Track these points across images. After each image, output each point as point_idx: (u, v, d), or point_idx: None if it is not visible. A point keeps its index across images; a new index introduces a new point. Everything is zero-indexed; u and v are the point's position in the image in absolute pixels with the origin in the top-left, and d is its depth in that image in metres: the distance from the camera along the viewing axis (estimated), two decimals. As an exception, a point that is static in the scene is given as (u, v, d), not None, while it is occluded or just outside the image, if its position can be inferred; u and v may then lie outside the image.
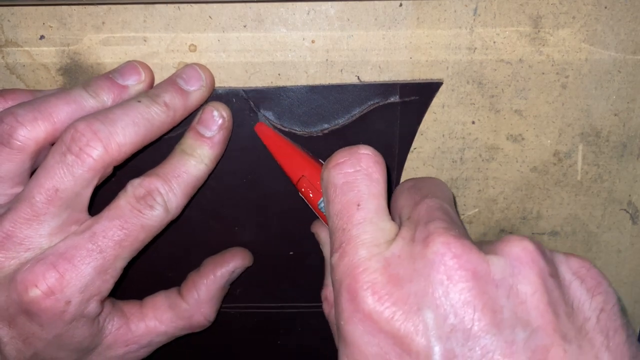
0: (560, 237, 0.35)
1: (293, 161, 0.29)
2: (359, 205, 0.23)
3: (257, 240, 0.34)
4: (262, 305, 0.36)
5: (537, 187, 0.34)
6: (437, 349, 0.19)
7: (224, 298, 0.33)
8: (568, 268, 0.21)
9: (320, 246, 0.31)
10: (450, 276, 0.20)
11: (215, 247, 0.34)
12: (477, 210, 0.34)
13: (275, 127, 0.31)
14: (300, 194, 0.29)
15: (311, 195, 0.28)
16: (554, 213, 0.34)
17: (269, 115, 0.31)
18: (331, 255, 0.23)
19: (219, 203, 0.33)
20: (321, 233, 0.31)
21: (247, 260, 0.33)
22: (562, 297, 0.20)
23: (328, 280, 0.29)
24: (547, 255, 0.21)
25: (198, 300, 0.31)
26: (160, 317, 0.31)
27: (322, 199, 0.28)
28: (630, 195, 0.34)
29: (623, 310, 0.21)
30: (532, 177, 0.34)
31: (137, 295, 0.32)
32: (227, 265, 0.32)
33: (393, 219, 0.24)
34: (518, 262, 0.20)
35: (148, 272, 0.34)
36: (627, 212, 0.35)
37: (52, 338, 0.26)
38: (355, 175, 0.24)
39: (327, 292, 0.29)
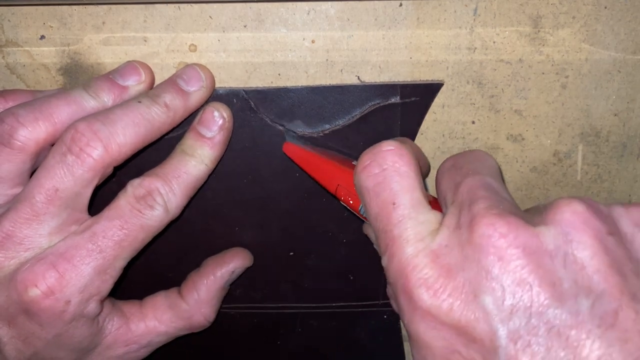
0: (560, 237, 0.35)
1: (325, 173, 0.29)
2: (394, 203, 0.23)
3: (257, 240, 0.34)
4: (262, 306, 0.36)
5: (537, 187, 0.34)
6: (500, 333, 0.18)
7: (224, 298, 0.33)
8: (629, 220, 0.20)
9: (375, 247, 0.31)
10: (501, 257, 0.19)
11: (215, 247, 0.34)
12: (477, 210, 0.34)
13: (302, 137, 0.31)
14: (342, 203, 0.29)
15: (351, 202, 0.28)
16: (554, 213, 0.34)
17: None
18: (382, 259, 0.23)
19: (219, 203, 0.33)
20: (371, 235, 0.31)
21: (248, 261, 0.33)
22: (626, 255, 0.19)
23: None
24: (602, 212, 0.20)
25: (198, 300, 0.31)
26: (160, 317, 0.30)
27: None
28: (630, 195, 0.34)
29: None
30: (532, 177, 0.33)
31: (137, 295, 0.31)
32: (228, 266, 0.32)
33: (440, 204, 0.24)
34: (570, 228, 0.19)
35: (148, 272, 0.34)
36: (627, 212, 0.34)
37: (51, 338, 0.26)
38: (384, 175, 0.23)
39: (391, 290, 0.28)
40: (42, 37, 0.30)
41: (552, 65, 0.31)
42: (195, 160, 0.28)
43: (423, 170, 0.28)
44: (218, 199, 0.33)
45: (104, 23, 0.29)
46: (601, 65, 0.31)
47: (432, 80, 0.31)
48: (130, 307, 0.30)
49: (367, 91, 0.31)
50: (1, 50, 0.30)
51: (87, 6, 0.29)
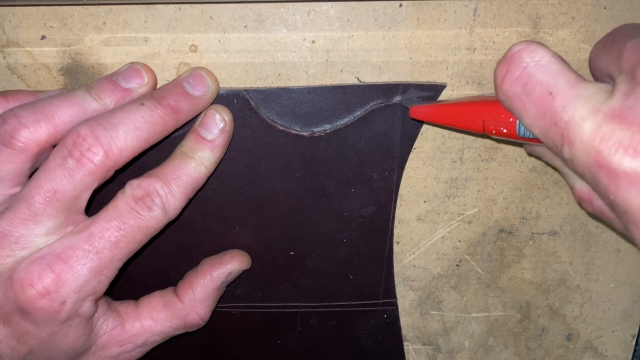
0: (559, 237, 0.35)
1: (465, 116, 0.26)
2: (551, 93, 0.21)
3: (257, 240, 0.34)
4: (262, 305, 0.36)
5: (536, 187, 0.33)
6: None
7: (224, 298, 0.33)
8: None
9: (549, 163, 0.28)
10: None
11: (216, 247, 0.33)
12: (476, 210, 0.34)
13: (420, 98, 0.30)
14: (495, 138, 0.26)
15: (504, 130, 0.25)
16: (553, 213, 0.34)
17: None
18: (562, 155, 0.21)
19: (220, 203, 0.33)
20: (538, 150, 0.28)
21: (245, 264, 0.33)
22: None
23: (572, 180, 0.26)
24: None
25: (193, 299, 0.31)
26: (155, 317, 0.30)
27: (517, 124, 0.25)
28: (629, 195, 0.34)
29: None
30: (532, 177, 0.33)
31: (137, 294, 0.31)
32: (225, 267, 0.32)
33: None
34: None
35: (149, 272, 0.34)
36: (626, 211, 0.34)
37: (46, 336, 0.26)
38: (527, 72, 0.22)
39: (578, 191, 0.25)
40: (43, 37, 0.29)
41: (552, 65, 0.31)
42: (195, 162, 0.28)
43: None
44: (218, 199, 0.32)
45: (104, 23, 0.29)
46: (600, 66, 0.31)
47: (433, 81, 0.31)
48: (125, 307, 0.30)
49: (369, 91, 0.30)
50: (2, 50, 0.29)
51: (88, 6, 0.29)
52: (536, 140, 0.24)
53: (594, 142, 0.19)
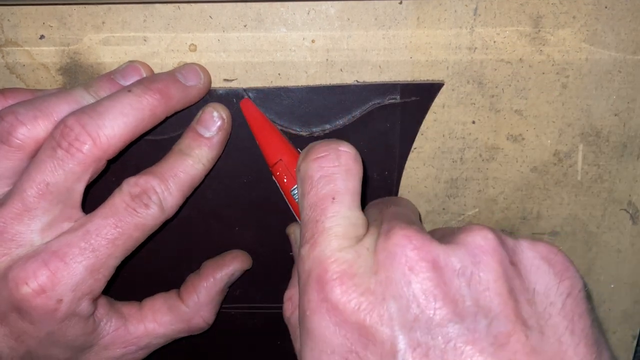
0: (560, 237, 0.34)
1: (273, 143, 0.29)
2: (334, 198, 0.23)
3: (257, 240, 0.33)
4: (262, 306, 0.35)
5: (537, 187, 0.33)
6: (401, 338, 0.19)
7: (225, 299, 0.33)
8: (536, 253, 0.21)
9: (293, 244, 0.30)
10: (411, 267, 0.20)
11: (216, 248, 0.33)
12: (477, 210, 0.34)
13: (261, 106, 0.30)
14: (274, 178, 0.28)
15: (285, 180, 0.28)
16: (554, 213, 0.34)
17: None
18: (301, 247, 0.22)
19: (219, 203, 0.32)
20: (296, 231, 0.30)
21: (247, 264, 0.32)
22: (522, 285, 0.20)
23: (295, 281, 0.28)
24: (508, 244, 0.21)
25: (198, 303, 0.30)
26: (159, 320, 0.30)
27: (295, 186, 0.27)
28: (630, 195, 0.34)
29: (589, 296, 0.21)
30: (532, 177, 0.33)
31: (138, 295, 0.31)
32: (227, 268, 0.31)
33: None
34: (479, 251, 0.20)
35: (149, 272, 0.33)
36: (627, 212, 0.34)
37: (44, 336, 0.25)
38: (334, 170, 0.23)
39: (293, 292, 0.27)
40: (42, 36, 0.29)
41: (553, 65, 0.30)
42: (193, 160, 0.28)
43: None
44: (218, 199, 0.32)
45: (103, 23, 0.29)
46: (601, 65, 0.30)
47: (432, 80, 0.30)
48: (129, 309, 0.29)
49: (368, 91, 0.30)
50: (1, 50, 0.29)
51: (86, 6, 0.28)
52: (297, 211, 0.27)
53: (329, 259, 0.21)
